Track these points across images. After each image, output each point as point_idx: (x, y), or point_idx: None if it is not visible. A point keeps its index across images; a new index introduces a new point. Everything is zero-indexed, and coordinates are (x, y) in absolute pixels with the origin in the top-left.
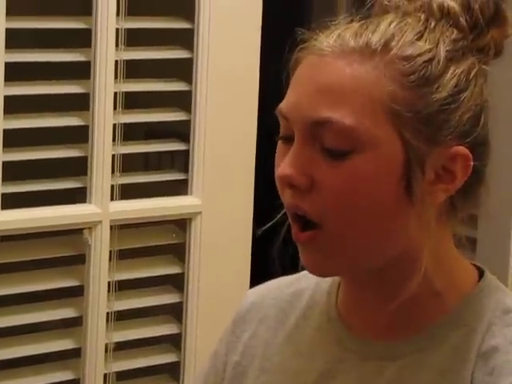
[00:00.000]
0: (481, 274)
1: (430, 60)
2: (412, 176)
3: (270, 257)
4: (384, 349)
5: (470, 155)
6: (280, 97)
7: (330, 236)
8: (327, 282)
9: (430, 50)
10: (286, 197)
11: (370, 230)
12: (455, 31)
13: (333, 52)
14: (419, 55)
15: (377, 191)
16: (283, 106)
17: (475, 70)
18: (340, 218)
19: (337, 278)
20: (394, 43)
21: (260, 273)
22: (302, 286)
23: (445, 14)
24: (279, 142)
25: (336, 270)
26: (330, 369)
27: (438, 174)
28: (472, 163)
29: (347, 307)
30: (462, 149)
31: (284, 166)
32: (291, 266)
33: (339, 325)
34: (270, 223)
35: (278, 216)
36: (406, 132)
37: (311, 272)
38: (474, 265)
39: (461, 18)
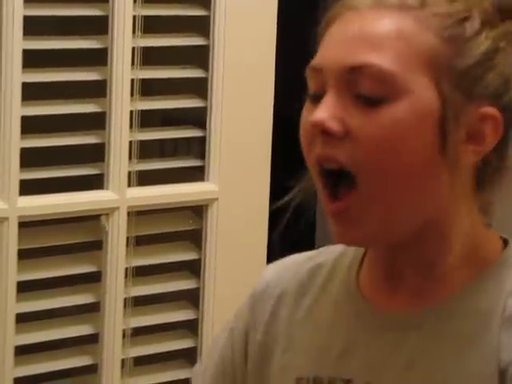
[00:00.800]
0: (505, 244)
1: (466, 18)
2: (446, 129)
3: (274, 242)
4: (405, 319)
5: (501, 118)
6: (296, 82)
7: (365, 193)
8: (348, 256)
9: (466, 11)
10: (317, 148)
11: (404, 182)
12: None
13: (370, 7)
14: (456, 13)
15: (411, 141)
16: (316, 59)
17: (509, 38)
18: (375, 168)
19: (359, 254)
20: (430, 1)
21: (276, 259)
22: (321, 261)
23: None
24: (307, 102)
25: (367, 238)
26: (350, 342)
27: (469, 133)
28: (502, 127)
29: (369, 282)
30: (493, 110)
31: (318, 112)
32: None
33: (359, 298)
34: (284, 200)
35: (291, 193)
36: (443, 83)
37: (340, 241)
38: (500, 236)
39: None
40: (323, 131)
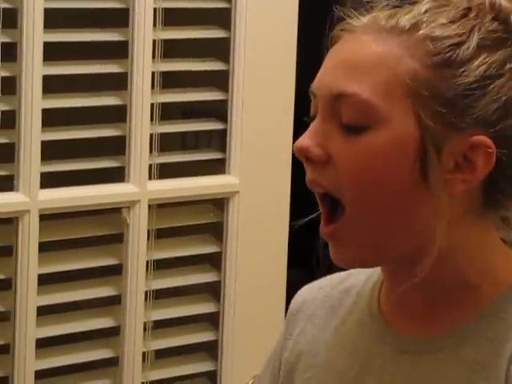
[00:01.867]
0: None
1: (460, 44)
2: (427, 159)
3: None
4: (420, 343)
5: (493, 146)
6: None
7: (350, 221)
8: (374, 276)
9: (461, 35)
10: (307, 173)
11: (386, 210)
12: (495, 23)
13: (362, 29)
14: (448, 37)
15: (390, 170)
16: (313, 83)
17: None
18: (356, 194)
19: (382, 275)
20: (423, 24)
21: (297, 252)
22: (352, 283)
23: (496, 9)
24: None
25: (358, 260)
26: (367, 364)
27: (458, 162)
28: (495, 154)
29: (387, 302)
30: (485, 138)
31: (301, 139)
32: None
33: (379, 319)
34: (308, 218)
35: (317, 213)
36: (423, 112)
37: (337, 263)
38: None
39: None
40: (306, 158)
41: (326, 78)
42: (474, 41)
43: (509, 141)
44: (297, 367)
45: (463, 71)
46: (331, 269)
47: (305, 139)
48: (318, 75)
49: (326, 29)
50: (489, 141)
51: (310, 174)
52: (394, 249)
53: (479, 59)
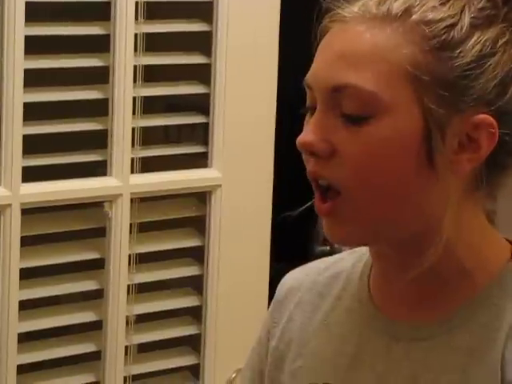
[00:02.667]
0: None
1: (453, 25)
2: (433, 143)
3: (290, 231)
4: (412, 330)
5: (495, 123)
6: (300, 70)
7: (351, 204)
8: (361, 262)
9: (453, 16)
10: (309, 165)
11: (389, 197)
12: (484, 0)
13: (354, 19)
14: (441, 20)
15: (397, 158)
16: (307, 75)
17: (504, 39)
18: (361, 185)
19: (370, 260)
20: (415, 9)
21: (280, 245)
22: (339, 269)
23: None
24: (307, 115)
25: (356, 238)
26: (358, 351)
27: (462, 142)
28: (497, 132)
29: (378, 287)
30: (487, 117)
31: (305, 134)
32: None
33: (370, 306)
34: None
35: (308, 204)
36: (425, 97)
37: (332, 240)
38: (510, 241)
39: None
40: (311, 153)
41: (324, 70)
42: (466, 21)
43: (508, 116)
44: (286, 356)
45: (460, 52)
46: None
47: (308, 134)
48: (314, 68)
49: (314, 20)
50: (490, 118)
51: (312, 167)
52: (395, 231)
53: (473, 38)
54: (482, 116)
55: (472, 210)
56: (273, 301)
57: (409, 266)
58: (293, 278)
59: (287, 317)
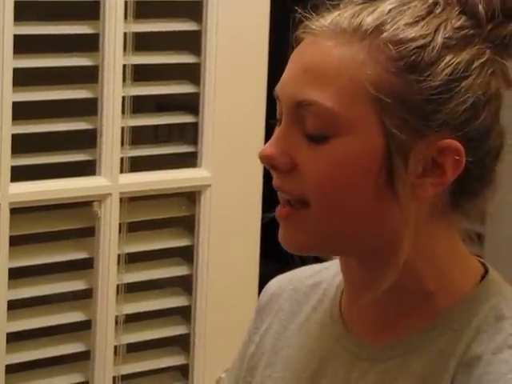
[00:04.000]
0: (486, 274)
1: (424, 46)
2: (393, 166)
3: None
4: (373, 350)
5: (462, 149)
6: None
7: (309, 215)
8: (340, 275)
9: (425, 36)
10: (273, 179)
11: (348, 216)
12: (463, 18)
13: (324, 32)
14: (412, 40)
15: (356, 178)
16: (277, 86)
17: (481, 61)
18: (320, 201)
19: None
20: (387, 26)
21: (269, 245)
22: (322, 278)
23: (462, 1)
24: (276, 125)
25: (306, 246)
26: (322, 366)
27: (426, 166)
28: (464, 159)
29: (347, 305)
30: (453, 142)
31: (266, 147)
32: None
33: (339, 322)
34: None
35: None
36: (387, 119)
37: (283, 245)
38: (483, 263)
39: (479, 7)
40: (271, 166)
41: (289, 84)
42: (438, 42)
43: (477, 142)
44: (259, 363)
45: (428, 75)
46: (305, 261)
47: (269, 147)
48: (282, 79)
49: (289, 29)
50: (457, 143)
51: (275, 181)
52: (353, 246)
53: (445, 61)
54: (448, 141)
55: (441, 234)
56: (256, 307)
57: (371, 284)
58: (276, 284)
59: (267, 324)
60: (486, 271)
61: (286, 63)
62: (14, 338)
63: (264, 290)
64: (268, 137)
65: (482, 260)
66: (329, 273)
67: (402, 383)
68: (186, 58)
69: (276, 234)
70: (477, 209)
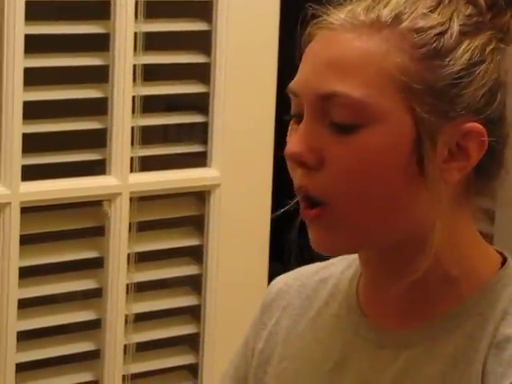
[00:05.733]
0: (504, 261)
1: (443, 33)
2: (423, 152)
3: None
4: (397, 337)
5: (485, 131)
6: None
7: (338, 213)
8: (351, 269)
9: (442, 24)
10: (296, 177)
11: (379, 206)
12: (470, 7)
13: (342, 26)
14: (431, 28)
15: (387, 166)
16: (293, 82)
17: (491, 47)
18: (349, 194)
19: (359, 268)
20: (405, 16)
21: (278, 245)
22: (328, 274)
23: None
24: (291, 121)
25: (342, 247)
26: (344, 357)
27: (452, 151)
28: (487, 140)
29: (365, 295)
30: (476, 125)
31: (293, 144)
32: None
33: (357, 313)
34: (285, 208)
35: (293, 202)
36: (416, 106)
37: (317, 249)
38: (500, 252)
39: None
40: (299, 163)
41: (311, 78)
42: (455, 28)
43: (495, 125)
44: (272, 358)
45: (449, 60)
46: (303, 262)
47: (296, 144)
48: (301, 76)
49: (298, 26)
50: (480, 126)
51: (300, 180)
52: (383, 238)
53: (463, 46)
54: (471, 124)
55: (462, 219)
56: (261, 303)
57: (397, 274)
58: (282, 281)
59: (275, 320)
60: (504, 258)
61: (295, 62)
62: (25, 337)
63: (269, 288)
64: (282, 134)
65: (496, 248)
66: (336, 269)
67: (431, 368)
68: (196, 58)
69: (285, 234)
70: (492, 193)
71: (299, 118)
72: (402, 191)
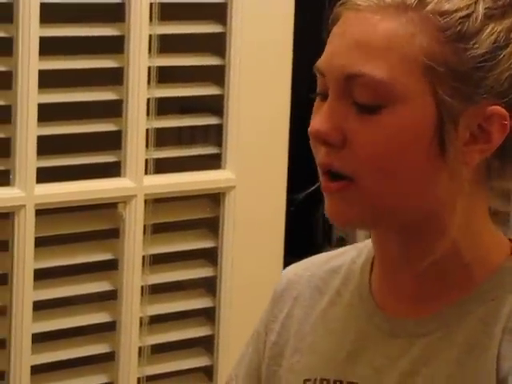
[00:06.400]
0: None
1: (468, 16)
2: (445, 133)
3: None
4: (411, 325)
5: (507, 115)
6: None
7: (362, 188)
8: (362, 257)
9: (467, 7)
10: (320, 155)
11: (400, 186)
12: None
13: (369, 7)
14: (456, 11)
15: (409, 147)
16: (320, 61)
17: None
18: (371, 174)
19: (370, 256)
20: None
21: (293, 247)
22: (339, 263)
23: None
24: (316, 99)
25: (359, 220)
26: (358, 346)
27: (474, 133)
28: (509, 124)
29: (378, 284)
30: (499, 108)
31: (317, 122)
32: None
33: (370, 302)
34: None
35: (315, 186)
36: (439, 88)
37: (333, 220)
38: (510, 239)
39: None
40: (323, 141)
41: (337, 58)
42: (480, 11)
43: None
44: (285, 351)
45: (474, 43)
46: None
47: (320, 122)
48: (327, 55)
49: (326, 7)
50: (502, 110)
51: (323, 157)
52: (402, 217)
53: (488, 30)
54: (494, 107)
55: (479, 204)
56: (271, 295)
57: (414, 257)
58: (292, 271)
59: (286, 312)
60: None
61: (310, 64)
62: (40, 339)
63: (281, 279)
64: (308, 111)
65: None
66: (346, 258)
67: (447, 355)
68: (211, 60)
69: (299, 236)
70: (508, 176)
71: (324, 97)
72: (422, 171)
